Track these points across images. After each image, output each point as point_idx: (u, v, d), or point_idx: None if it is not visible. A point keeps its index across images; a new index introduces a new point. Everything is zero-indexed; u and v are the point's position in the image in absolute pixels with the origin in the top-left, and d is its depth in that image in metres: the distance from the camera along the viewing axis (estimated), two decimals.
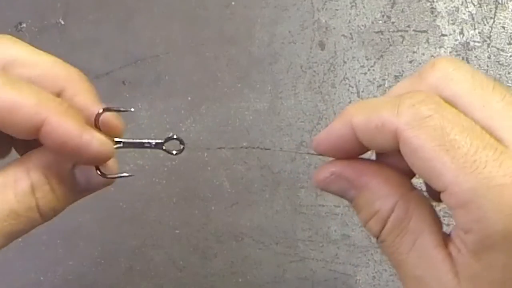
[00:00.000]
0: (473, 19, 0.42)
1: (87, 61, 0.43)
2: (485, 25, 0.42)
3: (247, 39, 0.43)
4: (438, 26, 0.42)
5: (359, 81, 0.41)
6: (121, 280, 0.37)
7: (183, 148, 0.23)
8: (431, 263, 0.21)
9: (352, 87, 0.41)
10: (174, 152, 0.22)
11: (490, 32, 0.41)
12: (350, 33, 0.43)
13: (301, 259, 0.39)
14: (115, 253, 0.39)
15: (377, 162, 0.24)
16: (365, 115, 0.22)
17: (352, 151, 0.23)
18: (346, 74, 0.42)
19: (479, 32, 0.42)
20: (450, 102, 0.22)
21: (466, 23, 0.42)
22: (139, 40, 0.44)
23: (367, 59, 0.42)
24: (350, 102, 0.41)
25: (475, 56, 0.41)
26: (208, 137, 0.40)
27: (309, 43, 0.43)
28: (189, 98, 0.41)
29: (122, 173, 0.23)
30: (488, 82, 0.22)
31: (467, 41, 0.41)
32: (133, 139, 0.23)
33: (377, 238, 0.23)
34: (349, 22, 0.44)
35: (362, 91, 0.40)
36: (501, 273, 0.20)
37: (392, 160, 0.23)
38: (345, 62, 0.42)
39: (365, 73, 0.41)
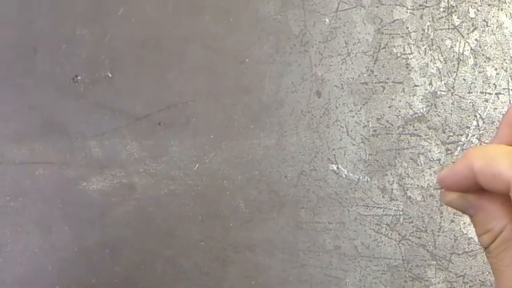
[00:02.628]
0: (440, 72, 0.49)
1: (130, 107, 0.49)
2: (449, 77, 0.49)
3: (258, 89, 0.50)
4: (412, 78, 0.49)
5: (348, 122, 0.48)
6: (157, 283, 0.44)
7: None
8: None
9: (343, 127, 0.48)
10: None
11: (454, 83, 0.49)
12: (341, 84, 0.49)
13: (302, 265, 0.44)
14: (152, 260, 0.45)
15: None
16: (485, 162, 0.24)
17: (469, 187, 0.26)
18: (337, 117, 0.48)
19: (444, 83, 0.49)
20: None
21: (434, 76, 0.49)
22: (171, 89, 0.50)
23: (355, 105, 0.48)
24: (341, 140, 0.47)
25: (441, 103, 0.48)
26: (227, 168, 0.47)
27: (308, 92, 0.49)
28: (212, 136, 0.47)
29: None
30: None
31: (435, 90, 0.49)
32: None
33: (485, 248, 0.26)
34: (340, 75, 0.49)
35: (351, 131, 0.47)
36: None
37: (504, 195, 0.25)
38: (337, 107, 0.48)
39: (353, 116, 0.48)
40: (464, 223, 0.46)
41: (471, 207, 0.26)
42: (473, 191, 0.25)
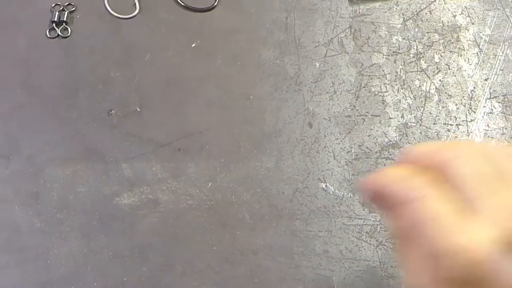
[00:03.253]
0: (410, 107, 0.55)
1: (155, 136, 0.54)
2: (418, 111, 0.55)
3: (261, 121, 0.55)
4: (387, 112, 0.55)
5: (334, 148, 0.54)
6: (177, 281, 0.49)
7: None
8: None
9: (330, 152, 0.53)
10: None
11: (421, 116, 0.55)
12: (329, 117, 0.55)
13: (296, 266, 0.49)
14: (173, 262, 0.50)
15: None
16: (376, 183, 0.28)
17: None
18: (326, 144, 0.54)
19: (414, 116, 0.55)
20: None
21: (405, 110, 0.55)
22: (189, 121, 0.55)
23: (340, 134, 0.54)
24: (329, 163, 0.53)
25: (411, 132, 0.54)
26: (234, 186, 0.52)
27: (302, 123, 0.55)
28: (222, 160, 0.53)
29: None
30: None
31: (406, 122, 0.55)
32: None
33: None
34: (328, 109, 0.56)
35: (337, 155, 0.53)
36: None
37: None
38: (325, 136, 0.54)
39: (339, 143, 0.54)
40: None
41: (383, 208, 0.30)
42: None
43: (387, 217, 0.29)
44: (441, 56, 0.60)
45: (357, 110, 0.56)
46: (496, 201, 0.26)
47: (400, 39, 0.60)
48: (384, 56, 0.59)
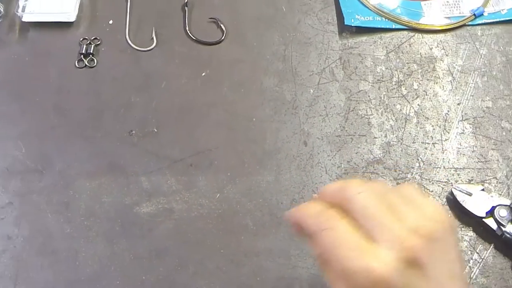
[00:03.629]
0: (392, 128, 0.59)
1: (169, 153, 0.58)
2: (399, 132, 0.59)
3: (262, 140, 0.59)
4: (372, 132, 0.59)
5: (326, 164, 0.57)
6: (190, 280, 0.52)
7: None
8: None
9: (323, 168, 0.57)
10: None
11: (402, 136, 0.59)
12: (322, 136, 0.59)
13: (293, 267, 0.52)
14: (186, 263, 0.52)
15: None
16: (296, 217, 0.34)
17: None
18: (319, 160, 0.57)
19: (395, 136, 0.59)
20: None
21: (388, 131, 0.59)
22: (199, 140, 0.58)
23: (331, 152, 0.58)
24: (321, 177, 0.56)
25: (393, 150, 0.58)
26: (240, 197, 0.55)
27: (298, 142, 0.58)
28: (228, 174, 0.56)
29: None
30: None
31: (389, 141, 0.58)
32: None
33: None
34: (321, 130, 0.59)
35: (329, 170, 0.57)
36: None
37: None
38: (318, 153, 0.58)
39: (330, 160, 0.57)
40: None
41: (303, 236, 0.34)
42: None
43: (309, 244, 0.33)
44: (419, 83, 0.64)
45: (346, 130, 0.60)
46: (390, 228, 0.30)
47: (383, 68, 0.65)
48: (370, 84, 0.63)
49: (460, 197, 0.54)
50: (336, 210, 0.32)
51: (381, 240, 0.30)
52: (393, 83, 0.64)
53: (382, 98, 0.63)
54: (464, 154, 0.60)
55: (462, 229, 0.54)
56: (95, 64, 0.64)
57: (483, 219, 0.54)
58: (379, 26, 0.66)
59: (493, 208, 0.54)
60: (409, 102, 0.63)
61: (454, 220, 0.55)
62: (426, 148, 0.60)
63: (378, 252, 0.29)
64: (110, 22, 0.68)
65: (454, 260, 0.31)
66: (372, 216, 0.30)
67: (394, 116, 0.62)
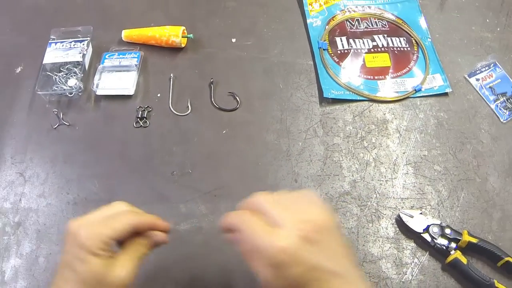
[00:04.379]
0: (357, 170, 0.70)
1: (200, 187, 0.67)
2: (362, 173, 0.70)
3: (265, 178, 0.68)
4: (343, 173, 0.70)
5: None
6: (215, 276, 0.60)
7: None
8: None
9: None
10: None
11: (364, 175, 0.70)
12: (307, 176, 0.69)
13: None
14: (212, 265, 0.60)
15: None
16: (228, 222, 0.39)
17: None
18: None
19: (359, 176, 0.70)
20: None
21: (354, 172, 0.69)
22: (221, 178, 0.68)
23: (314, 186, 0.68)
24: None
25: (358, 185, 0.68)
26: None
27: (290, 180, 0.68)
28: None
29: None
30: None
31: (355, 179, 0.69)
32: None
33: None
34: (307, 171, 0.69)
35: None
36: None
37: None
38: (305, 188, 0.68)
39: (316, 190, 0.67)
40: (370, 247, 0.65)
41: (232, 239, 0.39)
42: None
43: (235, 245, 0.38)
44: (376, 138, 0.73)
45: (324, 171, 0.70)
46: (287, 217, 0.35)
47: (351, 128, 0.75)
48: (341, 139, 0.73)
49: (405, 218, 0.65)
50: (251, 213, 0.38)
51: (281, 226, 0.35)
52: (358, 138, 0.73)
53: (350, 149, 0.72)
54: (407, 188, 0.68)
55: (406, 241, 0.66)
56: (147, 125, 0.74)
57: (421, 234, 0.64)
58: (348, 98, 0.77)
59: (428, 226, 0.64)
60: (369, 152, 0.71)
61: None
62: (381, 184, 0.69)
63: (280, 232, 0.34)
64: (158, 95, 0.78)
65: (341, 244, 0.36)
66: (273, 210, 0.36)
67: (358, 161, 0.71)
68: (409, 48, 0.82)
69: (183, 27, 0.83)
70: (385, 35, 0.84)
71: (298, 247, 0.34)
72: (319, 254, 0.34)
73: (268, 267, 0.34)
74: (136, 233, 0.45)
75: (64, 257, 0.41)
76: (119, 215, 0.44)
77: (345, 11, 0.89)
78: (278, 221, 0.35)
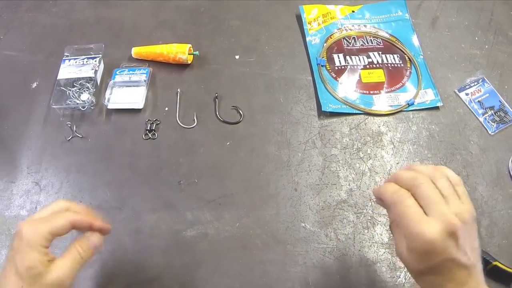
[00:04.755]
0: (353, 179, 0.74)
1: (205, 196, 0.70)
2: (358, 182, 0.74)
3: (267, 187, 0.72)
4: (340, 182, 0.73)
5: (310, 203, 0.70)
6: (219, 280, 0.64)
7: None
8: None
9: (307, 206, 0.70)
10: None
11: (360, 185, 0.73)
12: (306, 185, 0.72)
13: (287, 272, 0.64)
14: (216, 269, 0.64)
15: None
16: (379, 193, 0.41)
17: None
18: (305, 201, 0.71)
19: (355, 185, 0.74)
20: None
21: (350, 181, 0.73)
22: (225, 187, 0.71)
23: (313, 195, 0.71)
24: (306, 212, 0.70)
25: (354, 194, 0.72)
26: (252, 225, 0.67)
27: (290, 189, 0.72)
28: (244, 210, 0.69)
29: None
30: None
31: (351, 188, 0.73)
32: None
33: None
34: (306, 180, 0.72)
35: (311, 207, 0.70)
36: None
37: None
38: (304, 196, 0.71)
39: (312, 200, 0.71)
40: (366, 251, 0.68)
41: (384, 206, 0.44)
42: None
43: (387, 211, 0.41)
44: (371, 149, 0.76)
45: (322, 181, 0.72)
46: (440, 209, 0.37)
47: (347, 140, 0.77)
48: (338, 150, 0.76)
49: None
50: (405, 190, 0.40)
51: (434, 215, 0.36)
52: (354, 149, 0.76)
53: (347, 159, 0.75)
54: None
55: None
56: (156, 137, 0.77)
57: None
58: (345, 112, 0.80)
59: None
60: (364, 162, 0.74)
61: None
62: None
63: (431, 223, 0.36)
64: (166, 109, 0.82)
65: (475, 238, 0.39)
66: (430, 199, 0.38)
67: (354, 171, 0.74)
68: (402, 65, 0.85)
69: (189, 45, 0.86)
70: (380, 52, 0.87)
71: (444, 241, 0.37)
72: (458, 249, 0.38)
73: (413, 250, 0.38)
74: (81, 238, 0.49)
75: (8, 253, 0.44)
76: (59, 213, 0.47)
77: (342, 30, 0.94)
78: (431, 210, 0.38)
